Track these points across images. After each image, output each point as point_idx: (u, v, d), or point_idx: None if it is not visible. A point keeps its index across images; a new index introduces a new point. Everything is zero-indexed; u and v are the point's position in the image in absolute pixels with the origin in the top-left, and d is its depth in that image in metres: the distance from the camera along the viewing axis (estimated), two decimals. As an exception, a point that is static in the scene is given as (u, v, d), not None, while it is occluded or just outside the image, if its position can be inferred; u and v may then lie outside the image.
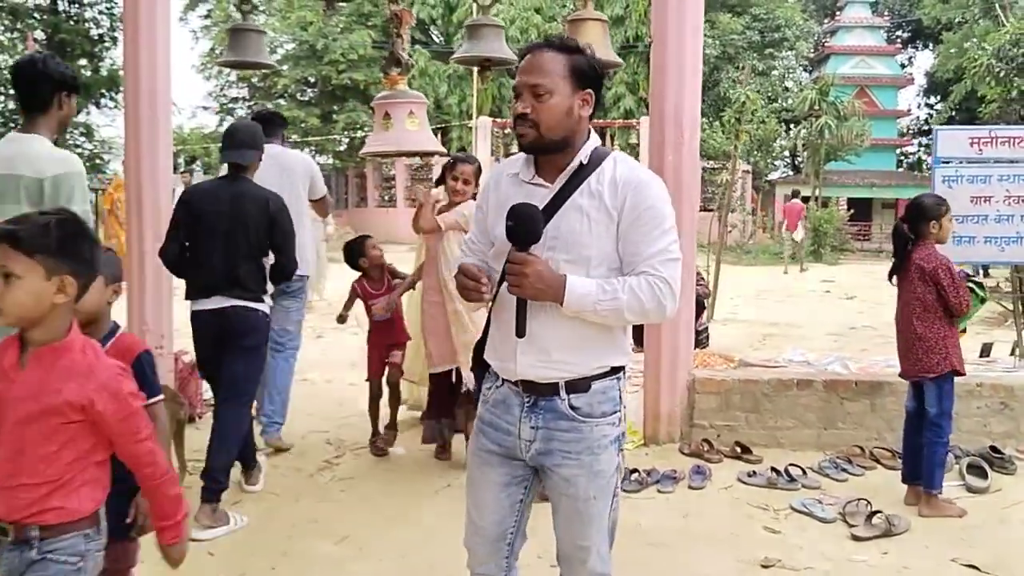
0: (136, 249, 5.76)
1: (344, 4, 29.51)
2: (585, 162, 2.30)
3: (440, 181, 5.21)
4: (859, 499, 4.36)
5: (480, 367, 2.54)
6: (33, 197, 3.12)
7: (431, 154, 5.72)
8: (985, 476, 4.80)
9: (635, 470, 4.80)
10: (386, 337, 5.46)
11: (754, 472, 4.89)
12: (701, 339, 8.19)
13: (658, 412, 5.45)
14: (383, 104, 5.47)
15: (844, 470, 5.00)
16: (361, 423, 5.94)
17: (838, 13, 36.99)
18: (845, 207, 30.25)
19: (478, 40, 5.94)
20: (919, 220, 4.42)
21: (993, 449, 5.12)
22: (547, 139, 2.27)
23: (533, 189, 2.33)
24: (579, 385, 2.31)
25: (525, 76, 2.27)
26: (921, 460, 4.41)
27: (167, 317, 5.89)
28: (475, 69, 5.97)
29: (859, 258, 25.30)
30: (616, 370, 2.37)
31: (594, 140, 2.38)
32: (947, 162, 6.06)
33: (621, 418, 2.41)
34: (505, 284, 2.26)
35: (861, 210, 32.61)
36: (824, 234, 24.16)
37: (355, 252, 5.46)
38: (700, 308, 8.00)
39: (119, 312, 3.51)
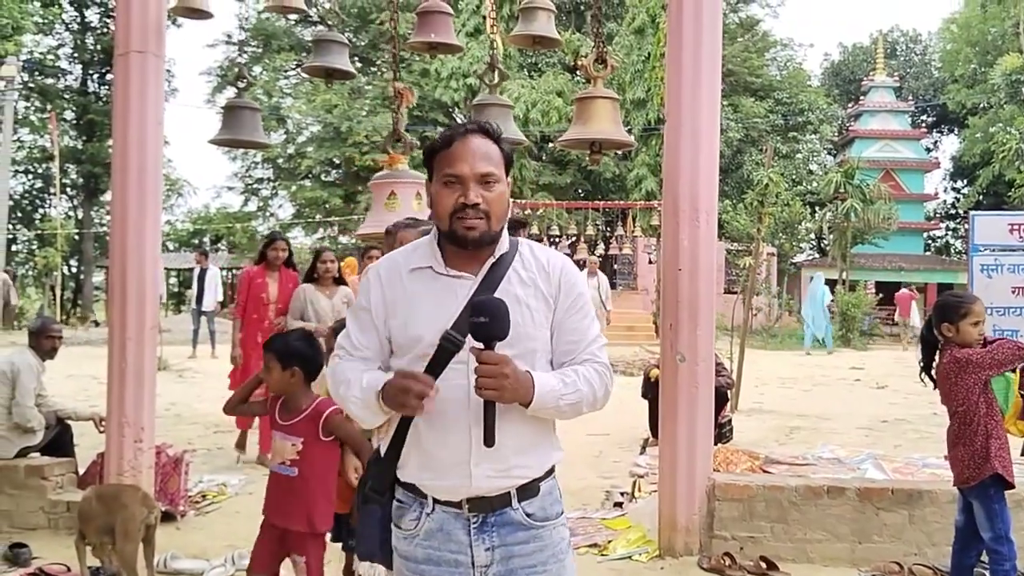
0: (118, 337, 5.41)
1: (369, 87, 29.88)
2: (506, 249, 2.17)
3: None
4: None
5: (379, 495, 2.18)
6: None
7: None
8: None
9: None
10: None
11: (781, 593, 4.39)
12: (724, 432, 7.75)
13: (674, 520, 4.96)
14: (387, 183, 5.21)
15: (882, 591, 4.49)
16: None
17: (862, 97, 36.99)
18: (873, 291, 29.77)
19: (484, 119, 5.66)
20: (939, 321, 4.01)
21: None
22: (494, 230, 2.13)
23: (453, 282, 2.13)
24: (530, 490, 2.14)
25: (473, 163, 2.10)
26: (971, 584, 3.91)
27: (149, 409, 5.51)
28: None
29: (888, 343, 24.68)
30: (554, 468, 2.23)
31: (505, 229, 2.22)
32: (984, 249, 5.65)
33: (565, 518, 2.24)
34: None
35: (889, 294, 32.10)
36: (852, 319, 23.60)
37: None
38: (723, 400, 7.58)
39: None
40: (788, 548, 4.90)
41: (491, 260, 2.15)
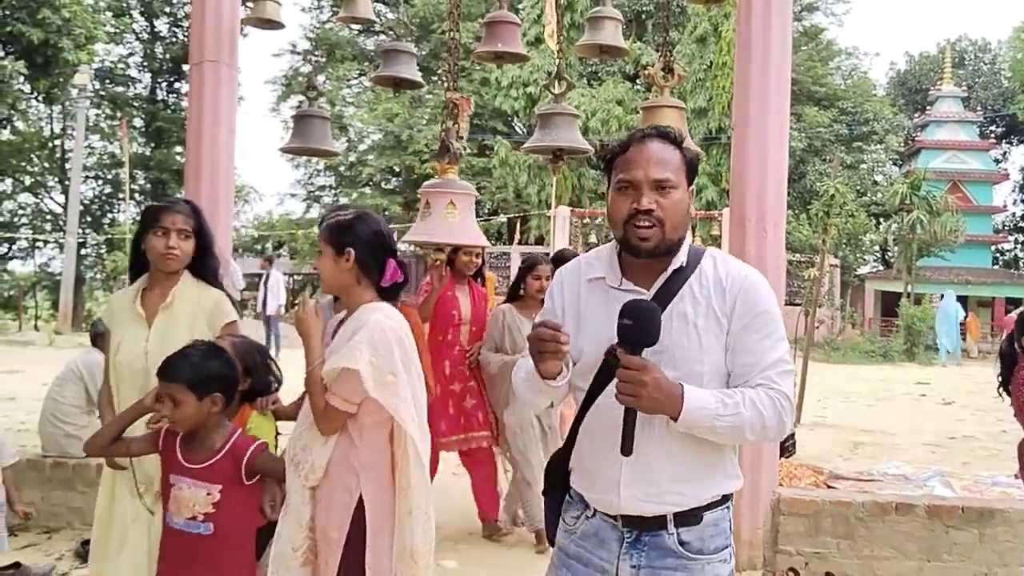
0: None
1: (429, 96, 30.11)
2: (684, 264, 2.01)
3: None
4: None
5: (553, 491, 2.21)
6: None
7: (470, 247, 5.28)
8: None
9: None
10: None
11: (847, 610, 4.31)
12: (787, 447, 7.62)
13: (739, 534, 4.88)
14: (425, 193, 5.20)
15: (952, 611, 4.39)
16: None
17: (929, 107, 36.28)
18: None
19: (550, 129, 5.67)
20: (1022, 334, 3.92)
21: None
22: (669, 240, 2.02)
23: (623, 296, 2.00)
24: (689, 517, 2.02)
25: (647, 169, 2.02)
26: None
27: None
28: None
29: (941, 358, 24.15)
30: (727, 498, 2.09)
31: (689, 239, 2.08)
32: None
33: (733, 553, 2.11)
34: (599, 400, 2.01)
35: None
36: (918, 332, 23.12)
37: None
38: (785, 413, 7.46)
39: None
40: (854, 565, 4.81)
41: (665, 275, 2.05)
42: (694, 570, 2.02)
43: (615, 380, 1.92)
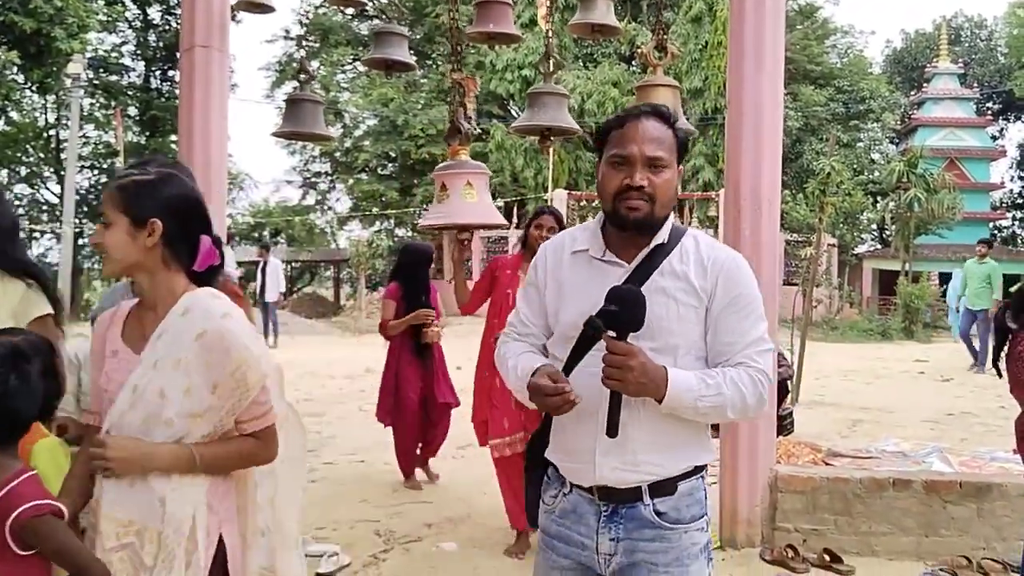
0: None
1: (424, 81, 30.01)
2: (665, 240, 2.11)
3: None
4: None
5: (536, 468, 2.23)
6: None
7: (490, 227, 5.20)
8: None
9: (709, 579, 4.28)
10: None
11: (845, 586, 4.33)
12: (785, 425, 7.61)
13: (736, 512, 4.92)
14: (440, 175, 5.19)
15: (949, 585, 4.41)
16: (416, 513, 5.59)
17: (925, 85, 36.17)
18: (936, 282, 29.14)
19: (540, 109, 5.65)
20: (1020, 309, 3.89)
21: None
22: (657, 216, 2.09)
23: (607, 268, 2.09)
24: (664, 487, 2.08)
25: (641, 146, 2.06)
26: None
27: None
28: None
29: (952, 335, 24.17)
30: (700, 468, 2.15)
31: (672, 217, 2.14)
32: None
33: (709, 522, 2.17)
34: (576, 370, 2.03)
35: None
36: (916, 310, 23.13)
37: None
38: (783, 391, 7.47)
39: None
40: (852, 541, 4.83)
41: (647, 249, 2.10)
42: (672, 539, 2.07)
43: (593, 352, 1.98)
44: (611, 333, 1.94)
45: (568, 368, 2.04)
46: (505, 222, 5.75)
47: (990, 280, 13.82)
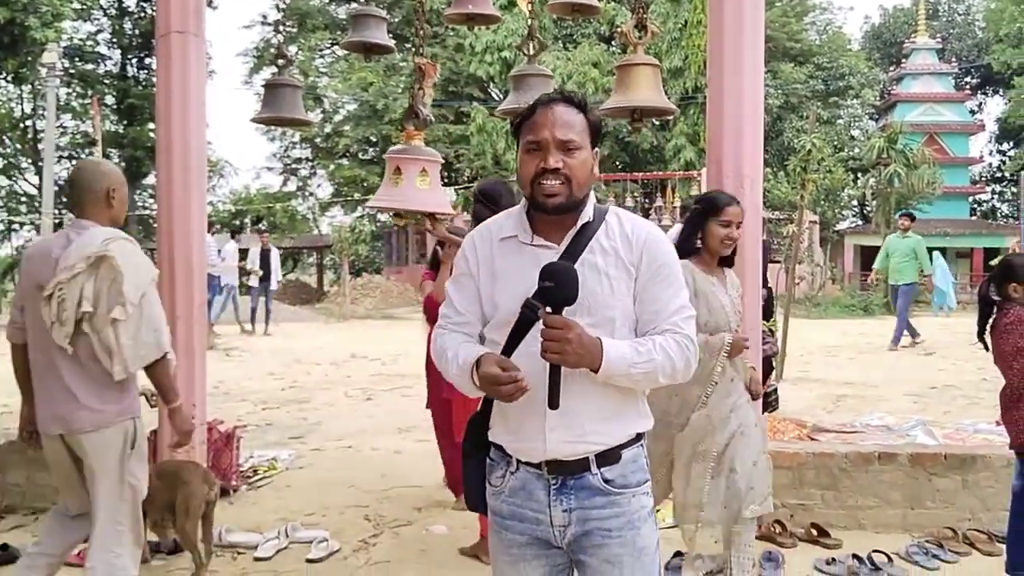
0: (167, 315, 5.47)
1: (404, 64, 29.84)
2: (591, 218, 2.18)
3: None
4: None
5: (477, 452, 2.28)
6: None
7: (437, 215, 5.09)
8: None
9: (699, 556, 4.31)
10: None
11: (833, 559, 4.36)
12: (770, 401, 7.65)
13: (723, 488, 4.94)
14: (395, 158, 5.08)
15: (935, 556, 4.44)
16: (405, 497, 5.59)
17: (904, 60, 36.32)
18: (918, 257, 29.35)
19: (524, 90, 5.61)
20: (1003, 281, 3.93)
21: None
22: (576, 196, 2.14)
23: (537, 251, 2.17)
24: (610, 456, 2.16)
25: (553, 130, 2.13)
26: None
27: (200, 386, 5.58)
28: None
29: (934, 310, 24.35)
30: (640, 435, 2.24)
31: (592, 197, 2.24)
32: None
33: (652, 486, 2.28)
34: (517, 353, 2.09)
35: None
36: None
37: None
38: (768, 368, 7.50)
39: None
40: (839, 515, 4.87)
41: (574, 230, 2.16)
42: (622, 504, 2.15)
43: (531, 333, 2.05)
44: (547, 309, 2.01)
45: (507, 351, 2.10)
46: (453, 212, 5.70)
47: (915, 254, 14.01)
